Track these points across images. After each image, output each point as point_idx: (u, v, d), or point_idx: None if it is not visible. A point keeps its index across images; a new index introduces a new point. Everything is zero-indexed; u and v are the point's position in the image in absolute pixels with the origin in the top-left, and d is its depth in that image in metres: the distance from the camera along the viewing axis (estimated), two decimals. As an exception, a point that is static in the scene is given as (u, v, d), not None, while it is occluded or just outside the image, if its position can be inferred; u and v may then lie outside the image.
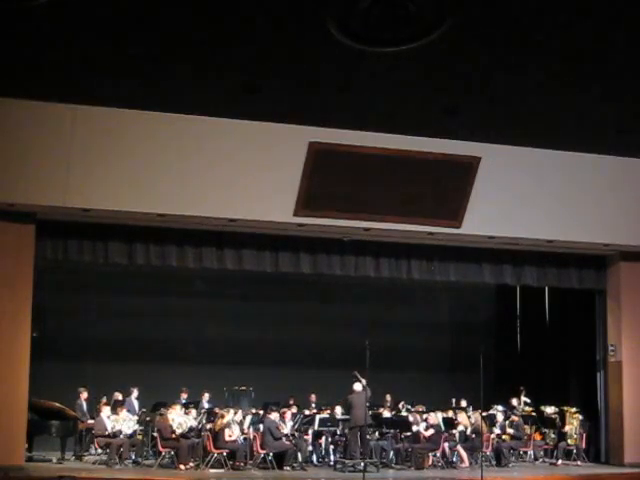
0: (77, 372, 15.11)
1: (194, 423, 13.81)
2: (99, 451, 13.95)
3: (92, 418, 14.37)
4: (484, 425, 14.59)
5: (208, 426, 13.81)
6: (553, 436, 15.72)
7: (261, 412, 14.41)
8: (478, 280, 15.50)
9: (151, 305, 16.42)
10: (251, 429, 13.86)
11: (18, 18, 8.32)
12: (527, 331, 18.27)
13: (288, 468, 13.39)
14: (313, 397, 16.00)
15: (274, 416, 13.67)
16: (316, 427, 14.41)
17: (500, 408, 15.73)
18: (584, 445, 15.46)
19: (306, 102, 11.17)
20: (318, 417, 14.50)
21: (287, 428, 13.89)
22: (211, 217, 13.02)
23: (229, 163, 12.49)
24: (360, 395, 13.76)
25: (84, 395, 14.46)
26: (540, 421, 15.76)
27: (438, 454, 14.36)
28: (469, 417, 15.13)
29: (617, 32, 8.60)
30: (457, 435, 14.80)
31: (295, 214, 13.09)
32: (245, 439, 13.63)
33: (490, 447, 14.79)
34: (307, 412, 14.95)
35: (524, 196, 13.69)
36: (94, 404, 14.54)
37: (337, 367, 15.70)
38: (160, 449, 13.45)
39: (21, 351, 12.70)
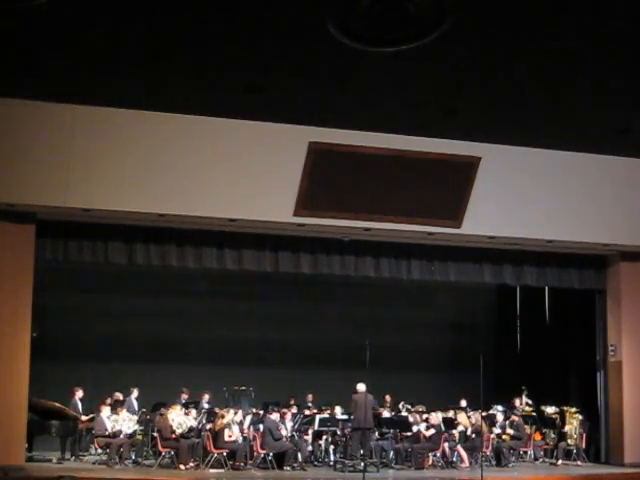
0: (77, 372, 15.07)
1: (194, 423, 13.80)
2: (99, 451, 13.95)
3: (88, 416, 14.35)
4: (484, 425, 14.59)
5: (208, 426, 13.80)
6: (553, 436, 15.71)
7: (261, 412, 14.41)
8: (478, 280, 15.46)
9: (151, 305, 16.41)
10: (251, 429, 13.87)
11: (18, 18, 8.32)
12: (527, 331, 18.25)
13: (288, 468, 13.39)
14: (310, 397, 16.00)
15: (274, 416, 13.67)
16: (316, 427, 14.40)
17: (500, 408, 15.71)
18: (584, 445, 15.43)
19: (306, 102, 11.17)
20: (318, 417, 14.49)
21: (287, 428, 13.88)
22: (211, 217, 13.00)
23: (229, 163, 12.49)
24: (363, 396, 13.72)
25: (79, 394, 14.38)
26: (540, 421, 15.76)
27: (438, 454, 14.35)
28: (469, 417, 15.13)
29: (617, 32, 8.60)
30: (457, 435, 14.80)
31: (295, 214, 13.07)
32: (245, 439, 13.63)
33: (490, 447, 14.77)
34: (307, 412, 14.94)
35: (524, 196, 13.69)
36: (91, 403, 14.51)
37: (337, 367, 15.73)
38: (160, 449, 13.45)
39: (21, 351, 12.68)
